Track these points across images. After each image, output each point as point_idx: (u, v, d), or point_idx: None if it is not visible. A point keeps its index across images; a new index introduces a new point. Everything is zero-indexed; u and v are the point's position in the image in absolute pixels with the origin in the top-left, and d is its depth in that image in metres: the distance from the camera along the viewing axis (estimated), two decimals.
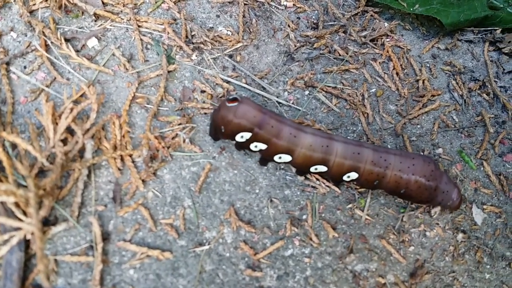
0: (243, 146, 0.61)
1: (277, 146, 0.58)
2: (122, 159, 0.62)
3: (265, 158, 0.63)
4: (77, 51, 0.70)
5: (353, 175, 0.60)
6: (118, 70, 0.69)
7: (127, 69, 0.69)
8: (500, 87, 0.81)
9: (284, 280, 0.59)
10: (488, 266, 0.64)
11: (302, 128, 0.59)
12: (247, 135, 0.59)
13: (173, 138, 0.65)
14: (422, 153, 0.63)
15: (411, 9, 0.82)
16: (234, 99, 0.57)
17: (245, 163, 0.66)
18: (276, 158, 0.60)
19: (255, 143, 0.60)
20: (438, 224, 0.66)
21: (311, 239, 0.62)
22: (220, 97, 0.70)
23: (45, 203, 0.54)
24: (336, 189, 0.65)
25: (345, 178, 0.60)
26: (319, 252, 0.62)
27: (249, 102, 0.59)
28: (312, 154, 0.58)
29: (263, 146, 0.59)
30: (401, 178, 0.59)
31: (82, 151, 0.61)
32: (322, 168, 0.60)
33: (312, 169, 0.60)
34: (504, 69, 0.83)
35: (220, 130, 0.60)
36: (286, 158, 0.60)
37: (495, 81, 0.81)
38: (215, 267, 0.59)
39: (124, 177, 0.62)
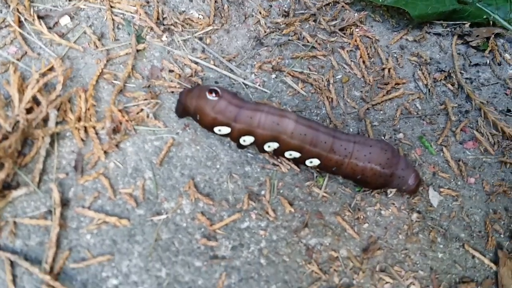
0: (233, 141, 0.64)
1: (262, 136, 0.60)
2: (86, 131, 0.64)
3: (260, 150, 0.64)
4: (49, 28, 0.72)
5: (315, 161, 0.62)
6: (88, 47, 0.71)
7: (97, 46, 0.71)
8: (466, 78, 0.83)
9: (238, 251, 0.61)
10: (442, 246, 0.66)
11: (284, 113, 0.61)
12: (225, 130, 0.61)
13: (137, 113, 0.67)
14: (382, 139, 0.65)
15: (381, 1, 0.84)
16: (215, 92, 0.59)
17: (208, 139, 0.67)
18: (266, 147, 0.63)
19: (242, 138, 0.62)
20: (394, 204, 0.67)
21: (267, 213, 0.64)
22: (189, 76, 0.72)
23: (5, 166, 0.56)
24: (296, 167, 0.67)
25: (307, 163, 0.62)
26: (275, 226, 0.63)
27: (228, 97, 0.61)
28: (291, 141, 0.61)
29: (251, 139, 0.61)
30: (357, 166, 0.62)
31: (46, 120, 0.63)
32: (296, 154, 0.62)
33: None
34: (471, 62, 0.86)
35: (195, 117, 0.62)
36: (275, 145, 0.61)
37: (461, 72, 0.83)
38: (171, 235, 0.60)
39: (87, 147, 0.63)
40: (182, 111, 0.64)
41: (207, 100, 0.61)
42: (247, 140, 0.62)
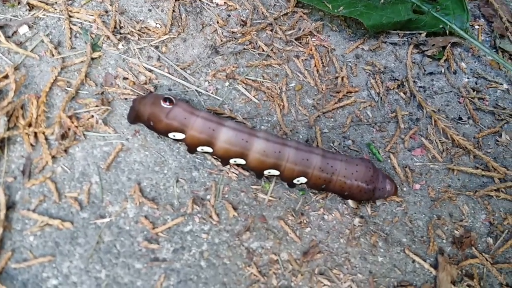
0: (191, 151, 0.67)
1: (218, 147, 0.64)
2: (35, 136, 0.66)
3: (220, 161, 0.67)
4: (7, 37, 0.75)
5: (302, 179, 0.65)
6: (45, 55, 0.74)
7: (53, 54, 0.74)
8: (420, 87, 0.85)
9: (179, 253, 0.63)
10: (382, 250, 0.67)
11: (252, 132, 0.64)
12: (179, 136, 0.63)
13: (88, 119, 0.69)
14: (362, 158, 0.68)
15: (336, 11, 0.86)
16: (170, 101, 0.62)
17: (157, 145, 0.70)
18: (231, 161, 0.66)
19: (201, 147, 0.65)
20: (337, 209, 0.69)
21: (211, 217, 0.65)
22: (143, 84, 0.74)
23: None
24: (244, 172, 0.69)
25: (295, 181, 0.66)
26: (217, 229, 0.65)
27: (182, 105, 0.64)
28: (265, 159, 0.63)
29: (208, 149, 0.64)
30: (345, 184, 0.65)
31: None
32: (275, 172, 0.65)
33: (265, 172, 0.66)
34: (425, 70, 0.88)
35: (148, 123, 0.65)
36: (241, 161, 0.65)
37: (414, 81, 0.85)
38: (113, 238, 0.62)
39: (36, 152, 0.66)
40: (135, 117, 0.67)
41: (161, 108, 0.63)
42: (204, 149, 0.65)
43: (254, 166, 0.64)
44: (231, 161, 0.65)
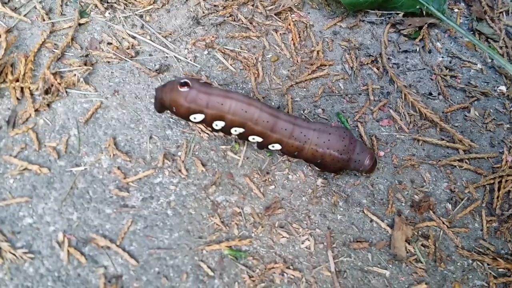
0: (207, 127, 0.70)
1: (231, 121, 0.66)
2: (22, 91, 0.71)
3: (225, 134, 0.70)
4: (4, 3, 0.80)
5: (277, 146, 0.68)
6: (36, 20, 0.79)
7: (44, 19, 0.79)
8: (394, 63, 0.89)
9: (148, 202, 0.67)
10: (342, 209, 0.71)
11: (251, 102, 0.66)
12: (199, 117, 0.67)
13: (71, 77, 0.74)
14: (339, 127, 0.71)
15: None
16: (185, 84, 0.65)
17: (135, 105, 0.74)
18: (232, 131, 0.68)
19: (215, 122, 0.67)
20: (302, 170, 0.73)
21: (180, 171, 0.70)
22: (126, 49, 0.79)
23: None
24: (216, 134, 0.73)
25: (270, 147, 0.69)
26: (186, 183, 0.70)
27: (198, 86, 0.66)
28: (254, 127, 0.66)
29: (221, 123, 0.67)
30: (317, 152, 0.68)
31: None
32: (258, 139, 0.68)
33: (250, 139, 0.68)
34: (400, 48, 0.91)
35: (172, 110, 0.68)
36: (240, 130, 0.67)
37: (389, 58, 0.89)
38: (87, 185, 0.67)
39: (22, 106, 0.71)
40: (160, 106, 0.69)
41: (180, 93, 0.66)
42: (218, 124, 0.67)
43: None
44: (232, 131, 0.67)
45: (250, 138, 0.68)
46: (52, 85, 0.71)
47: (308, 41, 0.87)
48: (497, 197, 0.74)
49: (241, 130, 0.67)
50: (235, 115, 0.65)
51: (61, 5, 0.81)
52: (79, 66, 0.74)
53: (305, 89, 0.82)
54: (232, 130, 0.68)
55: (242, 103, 0.65)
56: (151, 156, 0.70)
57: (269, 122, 0.65)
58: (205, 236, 0.66)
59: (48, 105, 0.71)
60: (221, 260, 0.64)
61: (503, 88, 0.87)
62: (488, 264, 0.68)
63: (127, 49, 0.79)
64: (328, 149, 0.67)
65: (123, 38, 0.80)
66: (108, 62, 0.77)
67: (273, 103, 0.79)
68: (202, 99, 0.64)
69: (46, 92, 0.71)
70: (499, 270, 0.68)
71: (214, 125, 0.67)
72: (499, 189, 0.75)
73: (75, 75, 0.73)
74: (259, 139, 0.68)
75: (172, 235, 0.65)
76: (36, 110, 0.70)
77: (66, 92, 0.72)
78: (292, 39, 0.86)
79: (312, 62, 0.85)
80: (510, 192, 0.75)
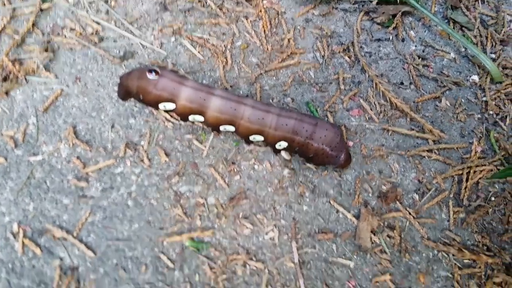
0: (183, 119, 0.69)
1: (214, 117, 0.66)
2: None
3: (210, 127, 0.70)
4: None
5: (259, 138, 0.68)
6: None
7: (4, 4, 0.76)
8: (366, 52, 0.87)
9: (108, 192, 0.66)
10: (308, 200, 0.70)
11: (241, 100, 0.66)
12: (170, 106, 0.65)
13: (31, 64, 0.72)
14: (334, 124, 0.69)
15: None
16: (155, 72, 0.63)
17: (97, 92, 0.72)
18: (221, 128, 0.68)
19: (192, 116, 0.66)
20: (269, 160, 0.72)
21: (142, 161, 0.68)
22: (89, 35, 0.77)
23: None
24: (181, 122, 0.71)
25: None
26: (148, 173, 0.68)
27: (168, 75, 0.65)
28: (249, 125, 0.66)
29: (200, 118, 0.66)
30: (312, 145, 0.67)
31: None
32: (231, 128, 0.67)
33: (221, 128, 0.68)
34: (373, 37, 0.90)
35: (138, 97, 0.67)
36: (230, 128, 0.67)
37: (361, 46, 0.88)
38: (44, 175, 0.65)
39: None
40: (125, 93, 0.68)
41: (148, 80, 0.65)
42: (196, 118, 0.67)
43: (241, 132, 0.67)
44: (221, 128, 0.68)
45: (251, 137, 0.68)
46: (10, 72, 0.69)
47: (279, 28, 0.86)
48: (465, 188, 0.73)
49: (231, 128, 0.67)
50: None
51: None
52: (40, 52, 0.72)
53: (274, 78, 0.80)
54: (222, 128, 0.68)
55: (231, 101, 0.65)
56: (112, 146, 0.68)
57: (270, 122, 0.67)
58: (166, 227, 0.64)
59: (6, 93, 0.69)
60: (182, 251, 0.63)
61: (475, 77, 0.86)
62: (453, 255, 0.67)
63: (91, 35, 0.77)
64: (323, 144, 0.66)
65: (87, 24, 0.77)
66: (71, 48, 0.75)
67: (241, 92, 0.77)
68: (174, 89, 0.64)
69: (4, 79, 0.69)
70: (464, 261, 0.68)
71: (191, 119, 0.67)
72: (467, 180, 0.74)
73: (35, 62, 0.71)
74: (260, 138, 0.68)
75: (132, 226, 0.64)
76: None
77: (26, 79, 0.70)
78: (263, 26, 0.85)
79: (282, 50, 0.83)
80: (479, 183, 0.74)
